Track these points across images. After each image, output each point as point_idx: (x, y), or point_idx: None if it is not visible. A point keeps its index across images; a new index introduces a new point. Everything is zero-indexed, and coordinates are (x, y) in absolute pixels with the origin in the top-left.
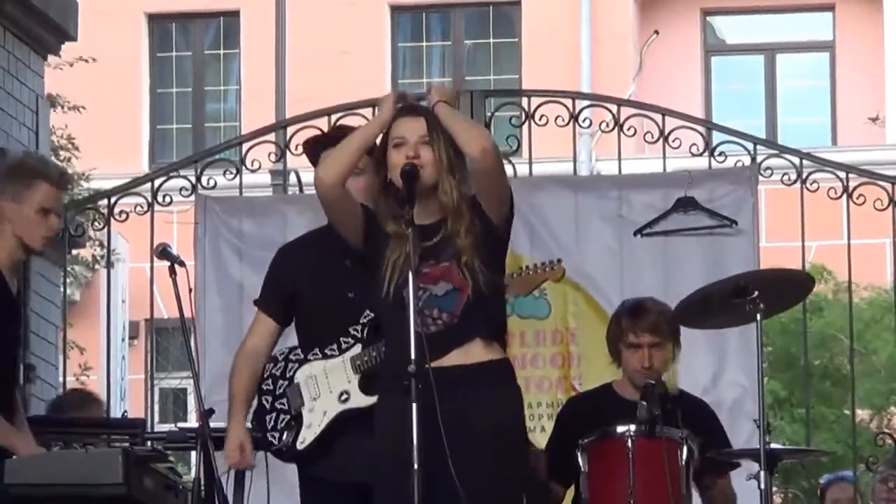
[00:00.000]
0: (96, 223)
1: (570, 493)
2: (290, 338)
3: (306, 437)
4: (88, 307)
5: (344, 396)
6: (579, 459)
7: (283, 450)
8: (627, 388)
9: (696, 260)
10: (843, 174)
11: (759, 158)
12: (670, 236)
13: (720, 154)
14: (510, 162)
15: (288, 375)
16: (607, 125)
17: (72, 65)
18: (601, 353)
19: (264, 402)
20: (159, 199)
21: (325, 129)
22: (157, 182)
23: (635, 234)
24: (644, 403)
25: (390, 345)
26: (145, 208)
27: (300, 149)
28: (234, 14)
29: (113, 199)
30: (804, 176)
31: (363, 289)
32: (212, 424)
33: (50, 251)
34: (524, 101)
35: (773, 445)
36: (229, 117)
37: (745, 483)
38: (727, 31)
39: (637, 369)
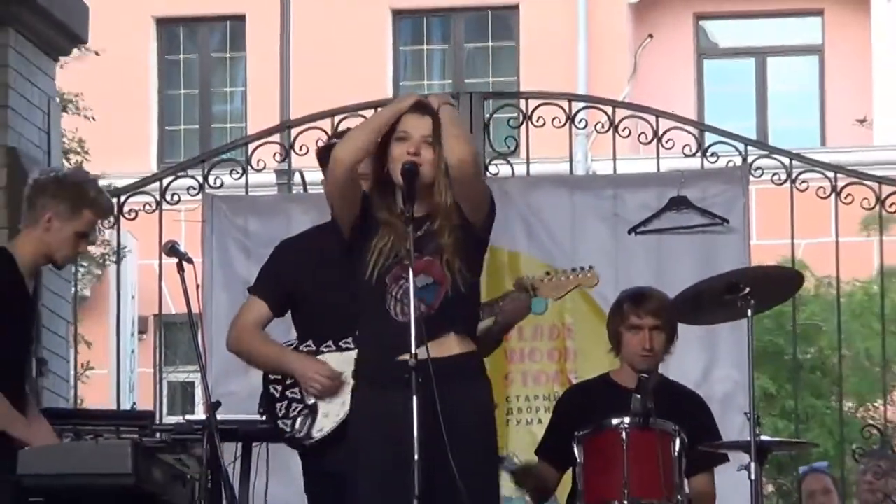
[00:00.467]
0: (106, 221)
1: (567, 484)
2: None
3: (324, 425)
4: (98, 303)
5: None
6: (575, 451)
7: (297, 437)
8: (624, 376)
9: (688, 257)
10: (831, 174)
11: (749, 159)
12: (664, 234)
13: (712, 154)
14: (508, 162)
15: None
16: (603, 126)
17: (79, 57)
18: (596, 348)
19: (273, 390)
20: (167, 197)
21: (329, 130)
22: (166, 181)
23: (630, 232)
24: (638, 396)
25: (368, 333)
26: (154, 207)
27: (304, 149)
28: (240, 18)
29: (122, 198)
30: (794, 176)
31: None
32: (218, 416)
33: None
34: (522, 102)
35: (763, 438)
36: (235, 118)
37: (737, 474)
38: (719, 36)
39: (638, 351)
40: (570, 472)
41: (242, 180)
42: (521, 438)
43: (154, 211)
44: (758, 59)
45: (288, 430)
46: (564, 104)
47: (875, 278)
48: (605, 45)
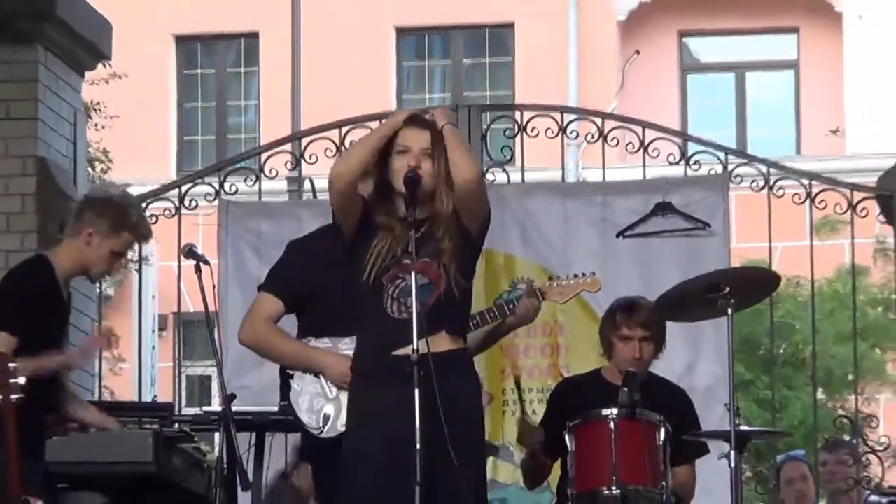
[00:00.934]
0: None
1: (559, 471)
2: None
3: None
4: (122, 302)
5: None
6: (566, 440)
7: (323, 429)
8: (614, 375)
9: (673, 259)
10: (806, 181)
11: (730, 167)
12: (650, 237)
13: (695, 163)
14: (504, 170)
15: None
16: (592, 136)
17: (107, 82)
18: (586, 344)
19: (295, 385)
20: (186, 203)
21: (336, 141)
22: (184, 188)
23: (618, 235)
24: (625, 389)
25: (365, 330)
26: (173, 212)
27: (314, 158)
28: (254, 36)
29: (143, 204)
30: (771, 183)
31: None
32: (233, 408)
33: None
34: (517, 114)
35: (742, 427)
36: (249, 129)
37: (717, 462)
38: (701, 52)
39: (628, 359)
40: (560, 459)
41: (256, 187)
42: (516, 428)
43: (173, 216)
44: (737, 74)
45: (313, 423)
46: (557, 116)
47: (836, 277)
48: (594, 60)
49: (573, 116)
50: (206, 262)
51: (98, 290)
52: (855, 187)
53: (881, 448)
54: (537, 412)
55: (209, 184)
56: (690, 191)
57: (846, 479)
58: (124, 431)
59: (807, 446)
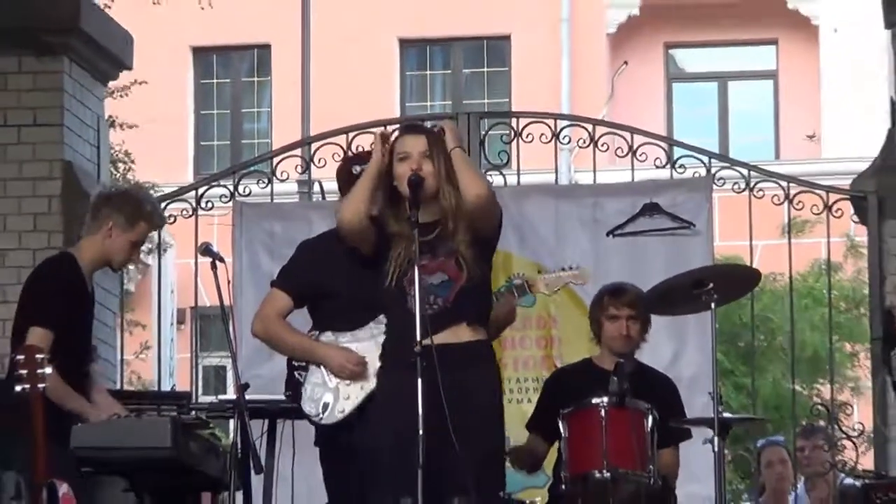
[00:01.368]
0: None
1: (553, 455)
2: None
3: (345, 406)
4: (142, 297)
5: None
6: (560, 426)
7: (322, 416)
8: (604, 360)
9: (659, 256)
10: (785, 184)
11: (713, 170)
12: (638, 236)
13: (680, 166)
14: (501, 173)
15: None
16: (584, 142)
17: (129, 88)
18: (578, 336)
19: (298, 376)
20: (202, 204)
21: (344, 145)
22: (201, 190)
23: (608, 234)
24: (615, 379)
25: (393, 325)
26: (190, 212)
27: (323, 162)
28: (267, 47)
29: (163, 205)
30: (752, 185)
31: (373, 281)
32: (246, 397)
33: None
34: (513, 121)
35: (724, 415)
36: (262, 135)
37: (702, 447)
38: (686, 62)
39: (615, 336)
40: (555, 444)
41: (268, 189)
42: (513, 415)
43: (191, 216)
44: (720, 83)
45: (313, 410)
46: (550, 122)
47: (809, 273)
48: (585, 70)
49: (566, 123)
50: (222, 260)
51: (120, 286)
52: (830, 189)
53: (855, 434)
54: (532, 400)
55: (224, 186)
56: (676, 193)
57: (822, 463)
58: (144, 418)
59: (778, 431)
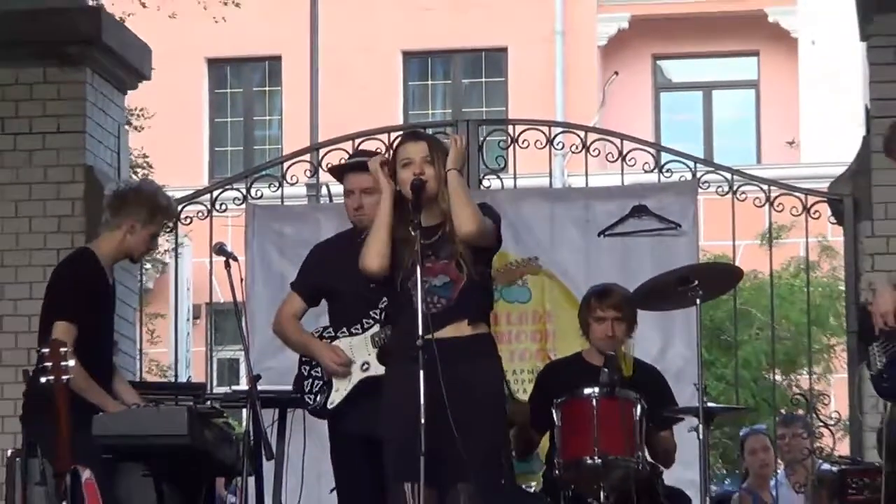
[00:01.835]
0: (167, 226)
1: (546, 443)
2: (323, 318)
3: (335, 398)
4: (160, 293)
5: (365, 366)
6: (553, 415)
7: (318, 409)
8: (594, 356)
9: (647, 256)
10: (766, 187)
11: (698, 174)
12: (627, 237)
13: (667, 171)
14: (499, 177)
15: None
16: (576, 147)
17: (141, 118)
18: (571, 330)
19: (303, 370)
20: (217, 206)
21: (350, 151)
22: (215, 193)
23: (599, 234)
24: (606, 371)
25: (400, 322)
26: (205, 214)
27: (330, 166)
28: (277, 59)
29: (179, 207)
30: (734, 188)
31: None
32: (258, 387)
33: None
34: (510, 128)
35: (709, 404)
36: (273, 141)
37: (687, 434)
38: (673, 73)
39: (601, 337)
40: (549, 432)
41: (279, 192)
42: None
43: (206, 218)
44: (704, 92)
45: (310, 402)
46: (545, 129)
47: (786, 270)
48: (578, 80)
49: (559, 130)
50: (235, 259)
51: (139, 283)
52: (809, 192)
53: (832, 422)
54: (527, 391)
55: (237, 189)
56: (663, 196)
57: (801, 449)
58: (162, 408)
59: (758, 421)
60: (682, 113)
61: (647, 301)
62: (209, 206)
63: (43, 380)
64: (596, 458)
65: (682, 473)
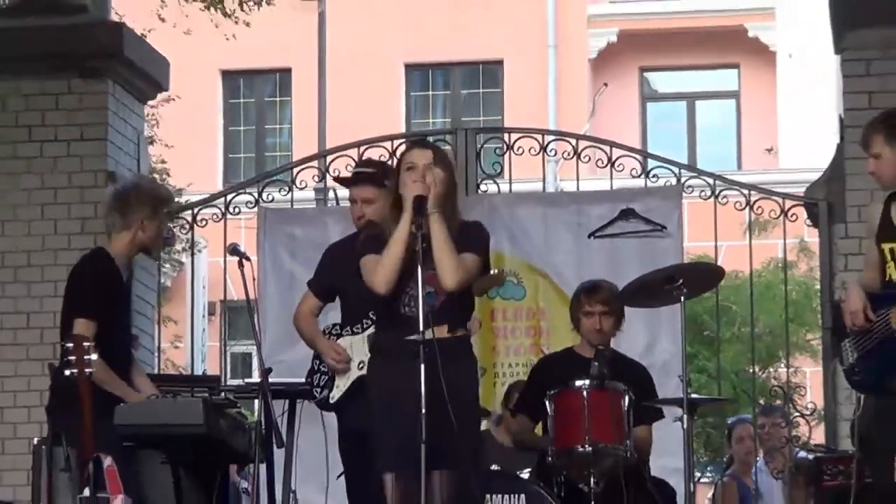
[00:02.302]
0: (183, 228)
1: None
2: (330, 315)
3: (335, 393)
4: (177, 291)
5: (361, 364)
6: (546, 406)
7: (322, 402)
8: (584, 350)
9: (635, 256)
10: (746, 191)
11: (682, 179)
12: (616, 238)
13: (653, 176)
14: (495, 182)
15: None
16: (568, 154)
17: (162, 105)
18: (563, 327)
19: (314, 364)
20: (230, 210)
21: (356, 157)
22: (229, 197)
23: (589, 236)
24: (596, 364)
25: (385, 323)
26: (220, 217)
27: (337, 172)
28: (287, 71)
29: (196, 210)
30: (717, 193)
31: None
32: (270, 380)
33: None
34: (505, 136)
35: (693, 396)
36: (283, 148)
37: (673, 424)
38: (659, 84)
39: (590, 331)
40: (542, 422)
41: (289, 196)
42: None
43: (220, 220)
44: (688, 102)
45: (317, 395)
46: (538, 137)
47: (765, 269)
48: (570, 91)
49: (552, 138)
50: (248, 259)
51: (157, 282)
52: (786, 196)
53: (808, 412)
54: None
55: (250, 194)
56: (649, 199)
57: (780, 438)
58: (179, 399)
59: (739, 411)
60: (668, 122)
61: (635, 299)
62: (223, 210)
63: (67, 373)
64: (587, 446)
65: (668, 461)
